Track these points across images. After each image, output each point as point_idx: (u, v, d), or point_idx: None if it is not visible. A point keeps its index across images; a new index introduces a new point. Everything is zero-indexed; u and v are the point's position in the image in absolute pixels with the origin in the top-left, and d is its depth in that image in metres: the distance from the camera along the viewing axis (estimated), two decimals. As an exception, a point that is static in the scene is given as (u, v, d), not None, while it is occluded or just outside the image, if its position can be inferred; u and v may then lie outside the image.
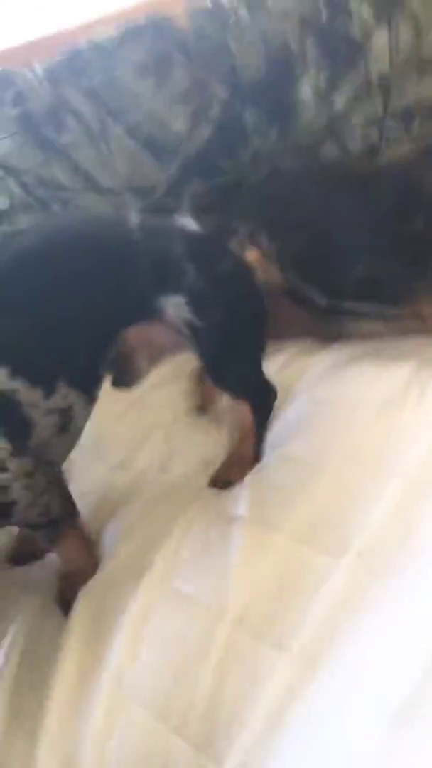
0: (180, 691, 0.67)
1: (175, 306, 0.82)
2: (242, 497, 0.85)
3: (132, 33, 1.20)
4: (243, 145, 1.25)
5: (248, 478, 0.88)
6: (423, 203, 0.97)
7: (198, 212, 1.19)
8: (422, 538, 0.72)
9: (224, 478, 0.91)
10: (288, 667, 0.65)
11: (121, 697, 0.68)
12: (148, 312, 0.83)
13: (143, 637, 0.72)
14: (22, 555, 0.91)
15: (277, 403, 0.96)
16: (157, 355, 0.99)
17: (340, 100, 1.22)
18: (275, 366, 1.05)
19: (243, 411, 0.94)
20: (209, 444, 1.00)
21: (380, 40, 1.20)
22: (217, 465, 0.95)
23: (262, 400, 0.94)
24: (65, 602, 0.80)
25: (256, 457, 0.92)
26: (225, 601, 0.74)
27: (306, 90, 1.22)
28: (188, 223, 0.92)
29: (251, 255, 1.11)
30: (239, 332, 0.87)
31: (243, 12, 1.21)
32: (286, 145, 1.24)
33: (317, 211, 1.10)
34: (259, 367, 0.93)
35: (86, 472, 0.99)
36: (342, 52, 1.21)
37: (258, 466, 0.90)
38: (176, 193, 1.25)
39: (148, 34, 1.20)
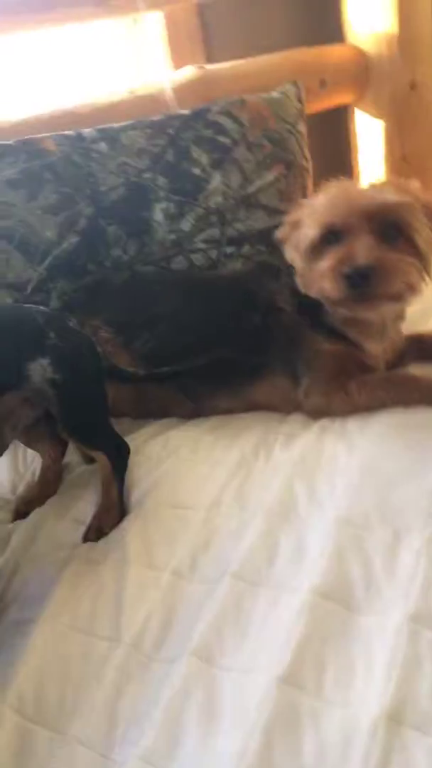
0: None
1: (40, 368, 0.97)
2: (126, 543, 0.96)
3: (4, 150, 1.38)
4: (106, 254, 1.45)
5: (128, 525, 0.99)
6: (258, 305, 1.22)
7: (64, 309, 1.36)
8: (282, 558, 0.88)
9: (96, 529, 1.01)
10: (180, 674, 0.76)
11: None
12: (17, 380, 0.96)
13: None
14: None
15: (147, 466, 1.11)
16: (18, 425, 1.09)
17: (186, 225, 1.48)
18: (144, 437, 1.20)
19: (102, 460, 1.06)
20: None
21: (215, 180, 1.50)
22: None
23: (118, 451, 1.08)
24: None
25: (122, 509, 1.04)
26: (119, 631, 0.83)
27: (159, 213, 1.47)
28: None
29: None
30: (91, 388, 1.05)
31: (103, 145, 1.45)
32: (143, 256, 1.46)
33: (169, 309, 1.30)
34: (108, 421, 1.08)
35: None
36: (187, 187, 1.48)
37: (135, 514, 1.02)
38: (45, 290, 1.39)
39: (20, 153, 1.39)
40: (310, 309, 1.16)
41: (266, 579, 0.86)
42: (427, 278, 1.09)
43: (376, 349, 1.18)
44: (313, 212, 1.11)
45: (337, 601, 0.80)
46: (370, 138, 1.76)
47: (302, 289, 1.14)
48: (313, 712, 0.70)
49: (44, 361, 0.97)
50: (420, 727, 0.66)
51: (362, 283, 1.01)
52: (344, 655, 0.75)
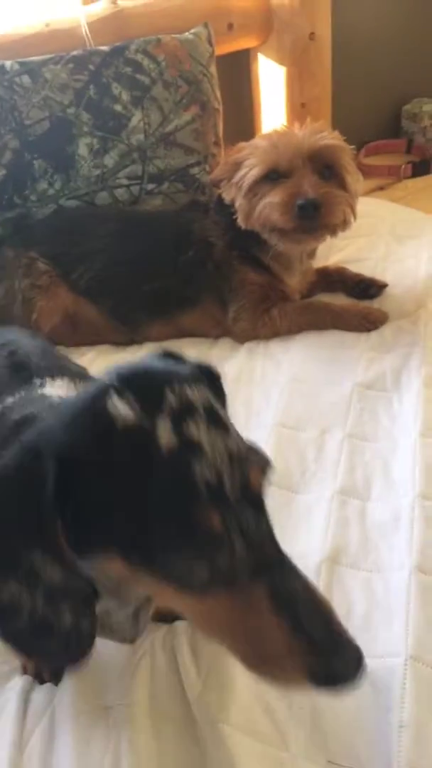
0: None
1: None
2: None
3: None
4: (32, 188, 1.50)
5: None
6: (193, 241, 1.35)
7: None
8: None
9: None
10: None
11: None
12: None
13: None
14: None
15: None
16: None
17: (109, 161, 1.56)
18: (86, 361, 1.31)
19: None
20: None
21: (136, 118, 1.58)
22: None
23: None
24: None
25: None
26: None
27: (83, 148, 1.53)
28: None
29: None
30: None
31: (26, 78, 1.47)
32: (69, 190, 1.52)
33: (104, 243, 1.40)
34: None
35: None
36: (109, 123, 1.55)
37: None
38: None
39: None
40: (240, 244, 1.31)
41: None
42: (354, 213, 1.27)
43: (293, 281, 1.37)
44: (256, 154, 1.24)
45: (281, 486, 1.00)
46: (272, 84, 1.89)
47: (242, 224, 1.27)
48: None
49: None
50: (352, 565, 0.88)
51: (313, 214, 1.17)
52: (290, 526, 0.95)
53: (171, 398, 0.49)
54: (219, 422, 0.51)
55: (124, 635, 0.67)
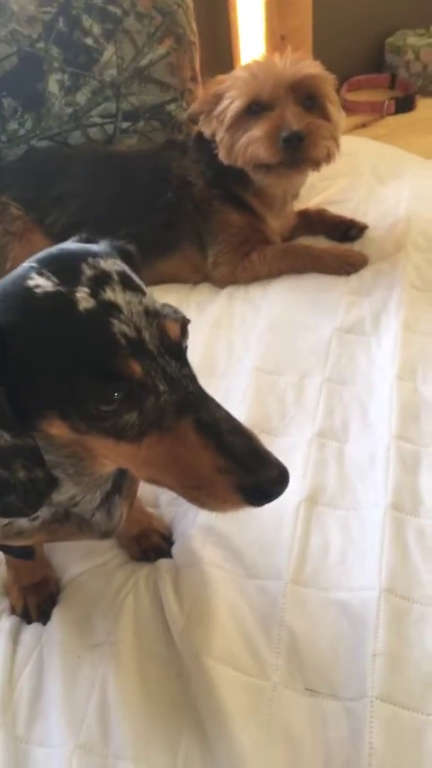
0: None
1: None
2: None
3: None
4: (2, 128, 1.44)
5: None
6: (171, 181, 1.31)
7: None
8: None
9: None
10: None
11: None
12: None
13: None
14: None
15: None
16: None
17: (82, 98, 1.50)
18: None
19: None
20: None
21: (108, 52, 1.51)
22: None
23: None
24: None
25: None
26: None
27: (54, 85, 1.47)
28: None
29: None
30: None
31: (-9, 11, 1.40)
32: (40, 130, 1.47)
33: (79, 185, 1.36)
34: None
35: None
36: (81, 58, 1.48)
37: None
38: None
39: None
40: (220, 181, 1.28)
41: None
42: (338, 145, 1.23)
43: (275, 222, 1.35)
44: (236, 85, 1.20)
45: (261, 429, 1.01)
46: (250, 15, 1.81)
47: (224, 159, 1.23)
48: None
49: None
50: (329, 504, 0.90)
51: (298, 146, 1.14)
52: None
53: (86, 270, 0.54)
54: (134, 286, 0.55)
55: (100, 529, 0.71)
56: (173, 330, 0.56)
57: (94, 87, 1.51)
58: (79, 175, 1.36)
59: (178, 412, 0.53)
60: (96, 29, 1.49)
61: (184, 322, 0.57)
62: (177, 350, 0.56)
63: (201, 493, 0.54)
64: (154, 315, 0.54)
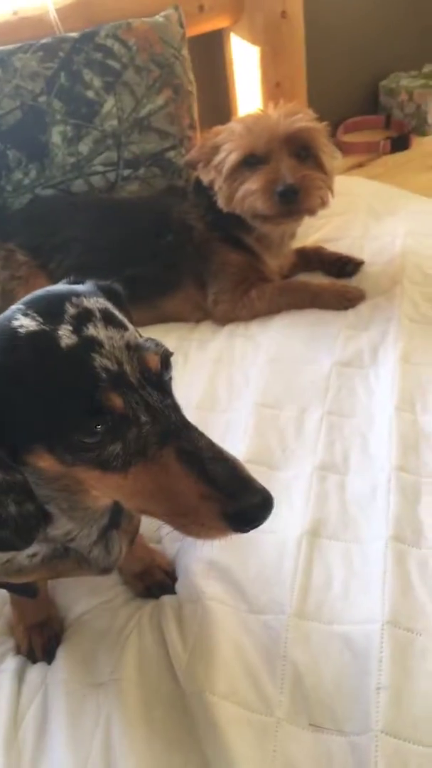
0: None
1: None
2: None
3: None
4: (7, 178, 1.50)
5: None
6: (172, 225, 1.36)
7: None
8: (213, 437, 1.08)
9: None
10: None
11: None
12: None
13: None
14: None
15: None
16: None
17: (84, 148, 1.56)
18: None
19: None
20: None
21: (109, 104, 1.58)
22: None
23: None
24: None
25: None
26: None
27: (56, 136, 1.53)
28: None
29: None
30: None
31: (-4, 68, 1.47)
32: (44, 179, 1.53)
33: (81, 231, 1.40)
34: None
35: None
36: (82, 110, 1.54)
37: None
38: None
39: None
40: (220, 224, 1.33)
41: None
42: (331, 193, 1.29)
43: (273, 262, 1.38)
44: (232, 138, 1.26)
45: (262, 464, 1.02)
46: (246, 64, 1.89)
47: (223, 207, 1.29)
48: (250, 542, 0.92)
49: None
50: (331, 536, 0.91)
51: (293, 198, 1.19)
52: (271, 500, 0.97)
53: (70, 308, 0.56)
54: (116, 322, 0.57)
55: (99, 565, 0.71)
56: (153, 362, 0.57)
57: (95, 137, 1.57)
58: (81, 221, 1.41)
59: (160, 442, 0.55)
60: (96, 82, 1.56)
61: (165, 355, 0.59)
62: (158, 382, 0.57)
63: (187, 521, 0.55)
64: (135, 349, 0.56)
